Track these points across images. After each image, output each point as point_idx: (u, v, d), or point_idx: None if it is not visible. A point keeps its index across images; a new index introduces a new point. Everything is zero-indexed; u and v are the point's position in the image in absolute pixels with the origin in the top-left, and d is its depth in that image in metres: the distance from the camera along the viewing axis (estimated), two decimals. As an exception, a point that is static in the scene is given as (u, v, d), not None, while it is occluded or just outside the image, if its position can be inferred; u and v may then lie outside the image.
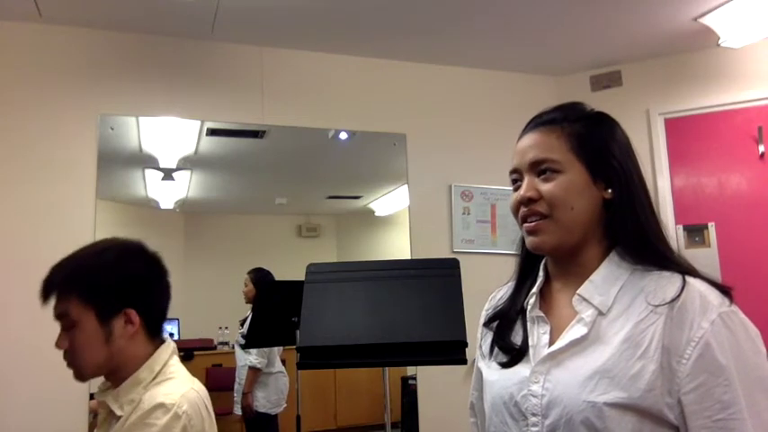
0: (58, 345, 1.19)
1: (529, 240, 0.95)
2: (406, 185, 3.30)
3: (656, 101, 3.33)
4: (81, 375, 1.21)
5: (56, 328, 1.20)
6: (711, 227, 3.15)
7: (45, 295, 1.20)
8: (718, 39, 2.95)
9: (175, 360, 1.27)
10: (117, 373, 1.21)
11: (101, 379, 1.26)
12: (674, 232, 3.20)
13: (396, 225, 3.46)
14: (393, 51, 3.26)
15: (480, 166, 3.35)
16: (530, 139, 0.96)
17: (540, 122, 0.97)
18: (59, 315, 1.19)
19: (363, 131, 3.27)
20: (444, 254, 3.24)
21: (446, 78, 3.44)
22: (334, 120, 3.21)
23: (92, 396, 2.53)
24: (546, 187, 0.91)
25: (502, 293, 1.08)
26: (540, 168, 0.93)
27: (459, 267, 1.50)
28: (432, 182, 3.33)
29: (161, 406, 1.12)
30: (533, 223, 0.93)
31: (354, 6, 2.73)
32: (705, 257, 3.10)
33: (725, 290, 0.85)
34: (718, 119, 3.21)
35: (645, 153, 3.28)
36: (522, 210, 0.94)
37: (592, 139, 0.93)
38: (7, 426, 2.48)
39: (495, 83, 3.52)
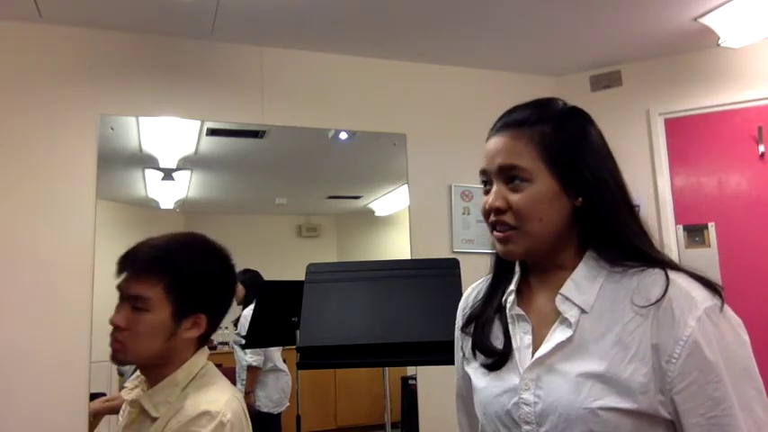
0: (115, 321, 1.13)
1: (498, 248, 0.94)
2: (406, 185, 3.30)
3: (656, 101, 3.32)
4: (124, 357, 1.15)
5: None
6: (711, 227, 3.15)
7: (128, 269, 1.14)
8: (718, 39, 2.94)
9: (211, 365, 1.24)
10: (156, 369, 1.17)
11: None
12: (673, 232, 3.20)
13: (396, 225, 3.46)
14: (393, 51, 3.26)
15: (480, 165, 3.34)
16: (498, 141, 0.94)
17: (508, 123, 0.95)
18: (134, 296, 1.13)
19: (363, 131, 3.27)
20: (444, 254, 3.24)
21: (446, 78, 3.44)
22: (334, 120, 3.21)
23: (92, 397, 2.53)
24: (514, 198, 0.90)
25: (476, 292, 1.07)
26: (508, 175, 0.91)
27: (459, 267, 1.51)
28: (432, 182, 3.32)
29: (206, 414, 1.10)
30: (502, 233, 0.92)
31: (355, 6, 2.73)
32: (705, 257, 3.10)
33: (708, 282, 0.85)
34: (718, 119, 3.21)
35: (645, 153, 3.28)
36: (492, 218, 0.93)
37: (561, 144, 0.90)
38: (7, 426, 2.48)
39: (495, 83, 3.52)
